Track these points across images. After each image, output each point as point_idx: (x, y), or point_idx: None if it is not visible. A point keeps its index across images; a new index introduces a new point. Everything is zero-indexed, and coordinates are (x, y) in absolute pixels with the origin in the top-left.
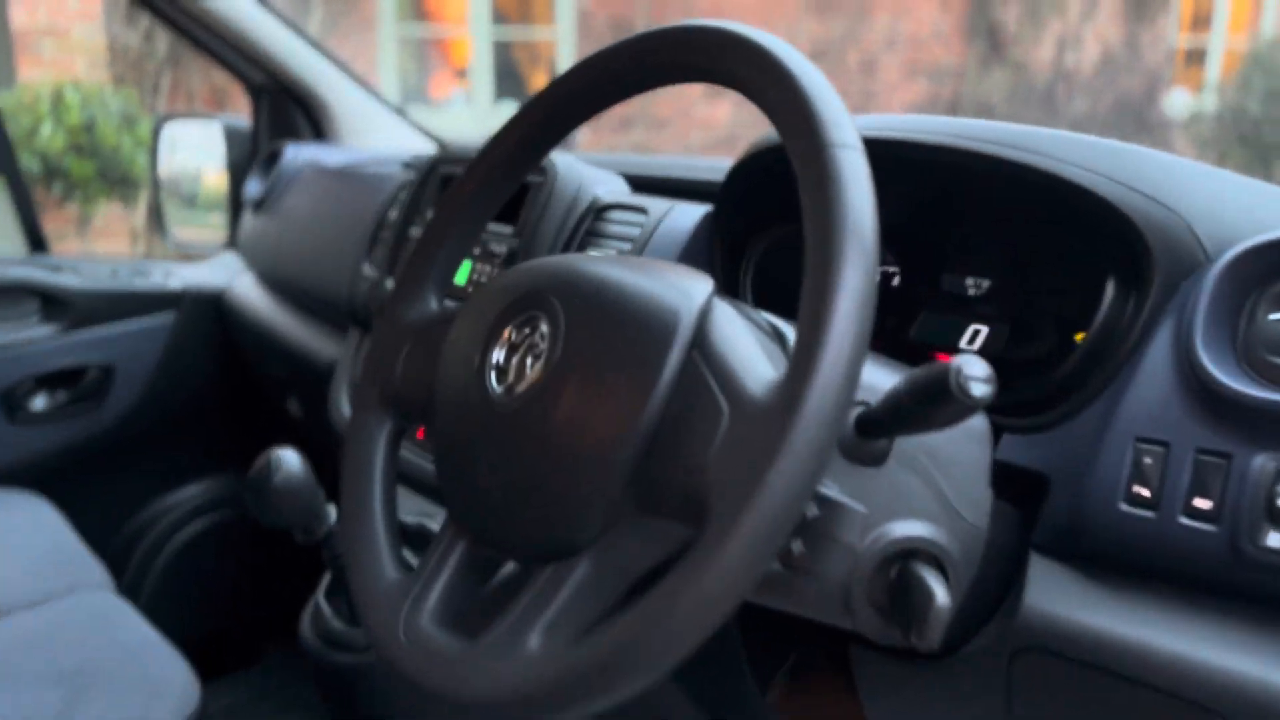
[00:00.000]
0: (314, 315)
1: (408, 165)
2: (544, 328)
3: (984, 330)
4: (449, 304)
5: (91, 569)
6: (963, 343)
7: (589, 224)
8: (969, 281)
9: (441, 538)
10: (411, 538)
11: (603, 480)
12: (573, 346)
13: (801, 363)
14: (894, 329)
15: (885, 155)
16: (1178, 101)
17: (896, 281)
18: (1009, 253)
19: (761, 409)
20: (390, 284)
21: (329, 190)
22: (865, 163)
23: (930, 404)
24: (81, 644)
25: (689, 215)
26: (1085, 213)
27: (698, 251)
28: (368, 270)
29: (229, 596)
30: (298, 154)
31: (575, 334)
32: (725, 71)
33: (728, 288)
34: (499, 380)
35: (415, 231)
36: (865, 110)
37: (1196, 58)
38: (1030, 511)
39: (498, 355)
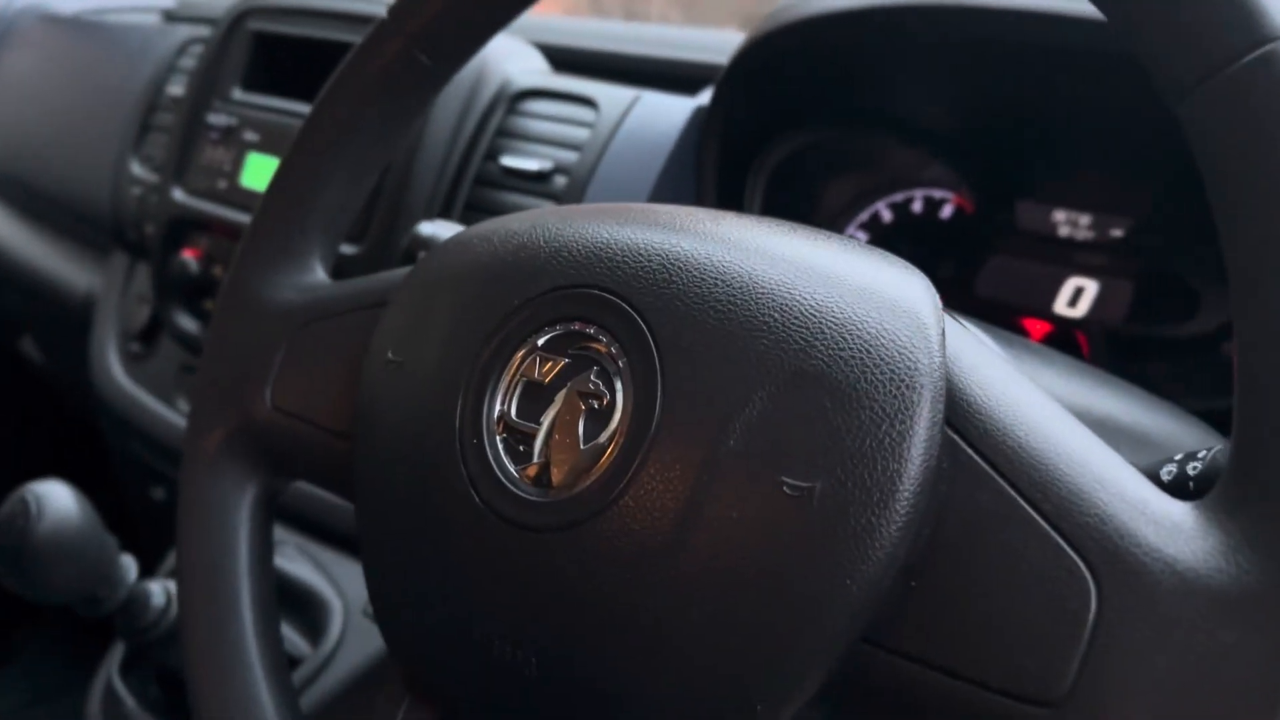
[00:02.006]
0: (58, 229)
1: (172, 16)
2: (613, 364)
3: (1092, 288)
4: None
5: None
6: (1059, 304)
7: (500, 119)
8: (1060, 216)
9: None
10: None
11: (779, 689)
12: (689, 409)
13: None
14: (952, 280)
15: (947, 29)
16: None
17: (948, 212)
18: (1140, 174)
19: (1211, 592)
20: (179, 194)
21: (65, 50)
22: None
23: None
24: None
25: (667, 112)
26: None
27: (684, 168)
28: (137, 169)
29: None
30: None
31: (688, 384)
32: None
33: None
34: (512, 454)
35: (218, 119)
36: None
37: None
38: None
39: (505, 404)
